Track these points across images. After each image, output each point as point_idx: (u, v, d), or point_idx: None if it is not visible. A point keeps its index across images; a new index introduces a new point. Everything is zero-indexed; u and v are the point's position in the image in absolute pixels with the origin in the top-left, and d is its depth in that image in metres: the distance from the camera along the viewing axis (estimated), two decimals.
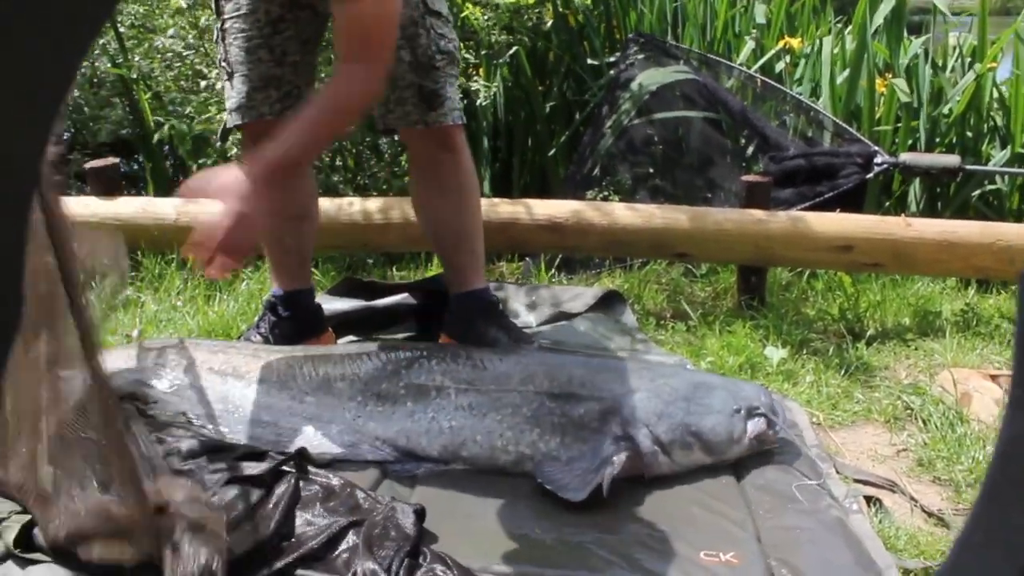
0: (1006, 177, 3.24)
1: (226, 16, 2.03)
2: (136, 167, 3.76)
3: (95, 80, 3.62)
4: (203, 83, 3.07)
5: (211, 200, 1.60)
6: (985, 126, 3.34)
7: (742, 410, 1.76)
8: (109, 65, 3.45)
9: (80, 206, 2.80)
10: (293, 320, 2.18)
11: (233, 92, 2.05)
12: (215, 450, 1.56)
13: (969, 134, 3.31)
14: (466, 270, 2.18)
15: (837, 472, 1.81)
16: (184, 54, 3.05)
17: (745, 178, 2.72)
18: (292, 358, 1.92)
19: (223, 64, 2.07)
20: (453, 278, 2.20)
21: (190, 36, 3.10)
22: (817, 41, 3.47)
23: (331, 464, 1.70)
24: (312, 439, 1.77)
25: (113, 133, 3.54)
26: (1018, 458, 0.34)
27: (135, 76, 3.27)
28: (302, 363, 1.90)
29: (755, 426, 1.75)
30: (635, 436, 1.69)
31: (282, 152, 1.67)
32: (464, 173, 2.12)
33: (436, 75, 2.01)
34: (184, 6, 3.06)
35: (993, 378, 2.20)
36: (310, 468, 1.55)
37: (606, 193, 3.19)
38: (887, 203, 3.24)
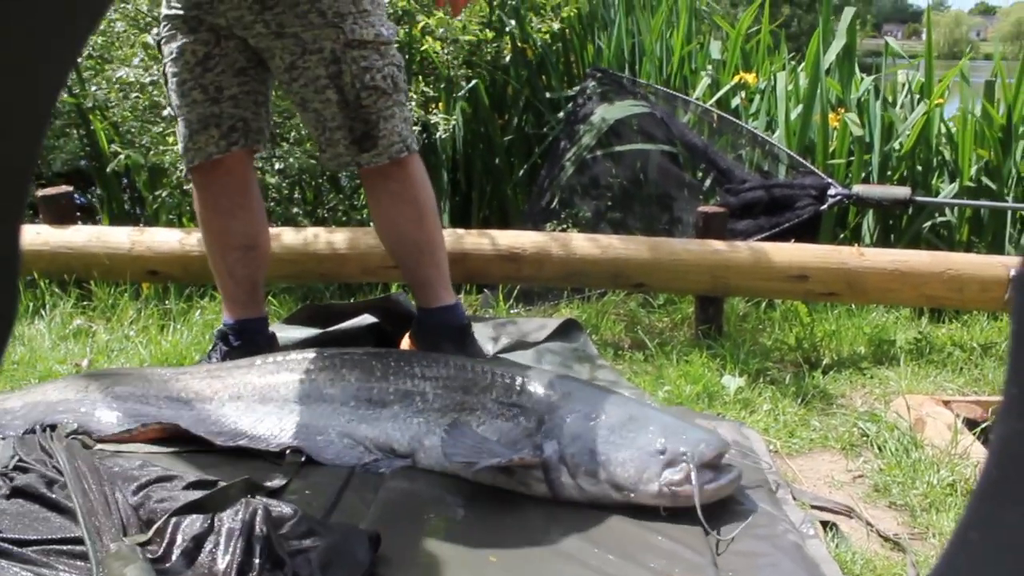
0: (955, 209, 3.31)
1: (164, 60, 2.03)
2: (92, 198, 3.71)
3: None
4: (164, 113, 3.04)
5: None
6: (934, 160, 3.41)
7: (665, 453, 1.64)
8: (65, 95, 3.42)
9: (32, 234, 2.75)
10: (245, 349, 2.14)
11: (179, 135, 2.05)
12: (161, 480, 1.52)
13: (919, 168, 3.38)
14: (433, 284, 2.16)
15: (794, 498, 1.81)
16: (145, 84, 3.02)
17: (701, 209, 2.75)
18: (257, 369, 1.95)
19: (169, 107, 2.07)
20: (420, 293, 2.19)
21: (154, 67, 3.08)
22: (772, 77, 3.54)
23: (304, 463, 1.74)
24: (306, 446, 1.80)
25: (68, 163, 3.49)
26: (1012, 456, 0.34)
27: (91, 105, 3.24)
28: (274, 372, 1.93)
29: (672, 474, 1.62)
30: (545, 449, 1.68)
31: None
32: (416, 186, 2.11)
33: (365, 113, 1.96)
34: (152, 42, 3.05)
35: (946, 404, 2.23)
36: (260, 496, 1.52)
37: (565, 226, 3.21)
38: (842, 235, 3.29)
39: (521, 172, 3.62)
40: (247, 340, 2.17)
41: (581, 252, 2.65)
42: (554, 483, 1.67)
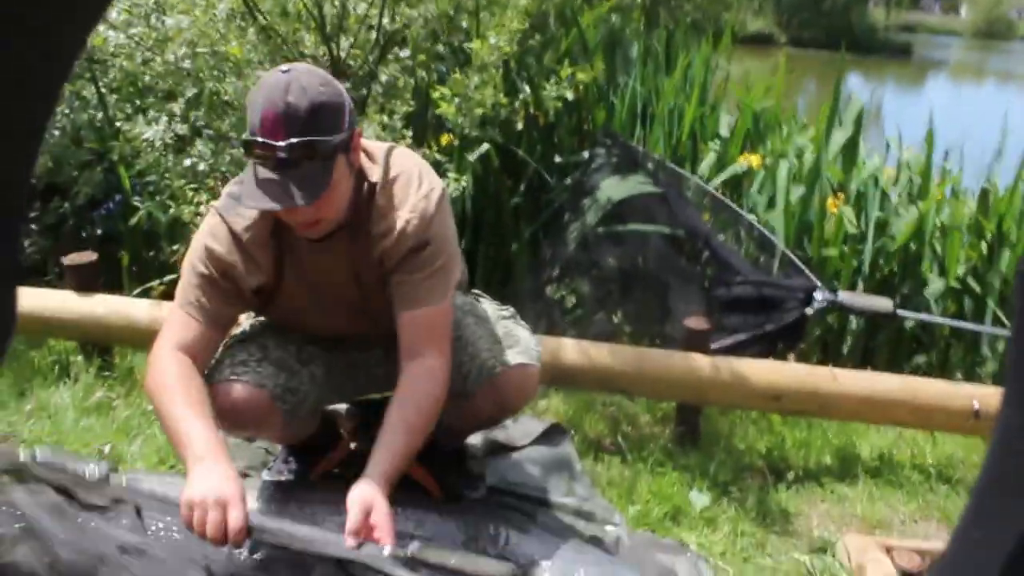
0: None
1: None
2: (114, 222, 3.85)
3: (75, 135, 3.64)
4: (186, 163, 3.16)
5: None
6: (926, 253, 3.53)
7: None
8: (94, 139, 3.54)
9: (57, 301, 2.93)
10: (314, 457, 2.32)
11: (239, 358, 2.02)
12: None
13: (910, 260, 3.50)
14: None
15: None
16: (169, 144, 3.14)
17: (686, 323, 2.89)
18: None
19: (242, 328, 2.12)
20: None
21: (178, 125, 3.19)
22: (777, 161, 3.63)
23: None
24: None
25: (88, 196, 3.58)
26: (1013, 451, 0.35)
27: (116, 158, 3.35)
28: None
29: None
30: None
31: (391, 468, 1.73)
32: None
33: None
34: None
35: (888, 551, 2.41)
36: None
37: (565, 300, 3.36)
38: (830, 324, 3.42)
39: (527, 235, 3.75)
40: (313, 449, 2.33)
41: (569, 360, 2.81)
42: None
